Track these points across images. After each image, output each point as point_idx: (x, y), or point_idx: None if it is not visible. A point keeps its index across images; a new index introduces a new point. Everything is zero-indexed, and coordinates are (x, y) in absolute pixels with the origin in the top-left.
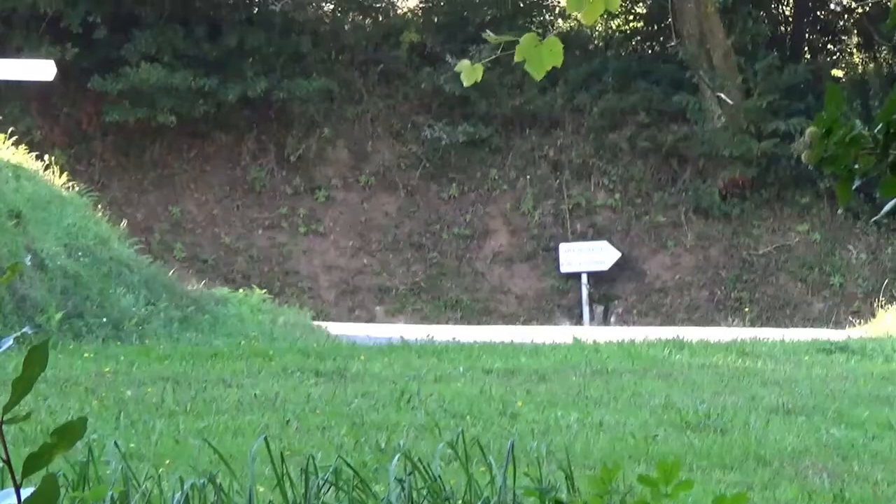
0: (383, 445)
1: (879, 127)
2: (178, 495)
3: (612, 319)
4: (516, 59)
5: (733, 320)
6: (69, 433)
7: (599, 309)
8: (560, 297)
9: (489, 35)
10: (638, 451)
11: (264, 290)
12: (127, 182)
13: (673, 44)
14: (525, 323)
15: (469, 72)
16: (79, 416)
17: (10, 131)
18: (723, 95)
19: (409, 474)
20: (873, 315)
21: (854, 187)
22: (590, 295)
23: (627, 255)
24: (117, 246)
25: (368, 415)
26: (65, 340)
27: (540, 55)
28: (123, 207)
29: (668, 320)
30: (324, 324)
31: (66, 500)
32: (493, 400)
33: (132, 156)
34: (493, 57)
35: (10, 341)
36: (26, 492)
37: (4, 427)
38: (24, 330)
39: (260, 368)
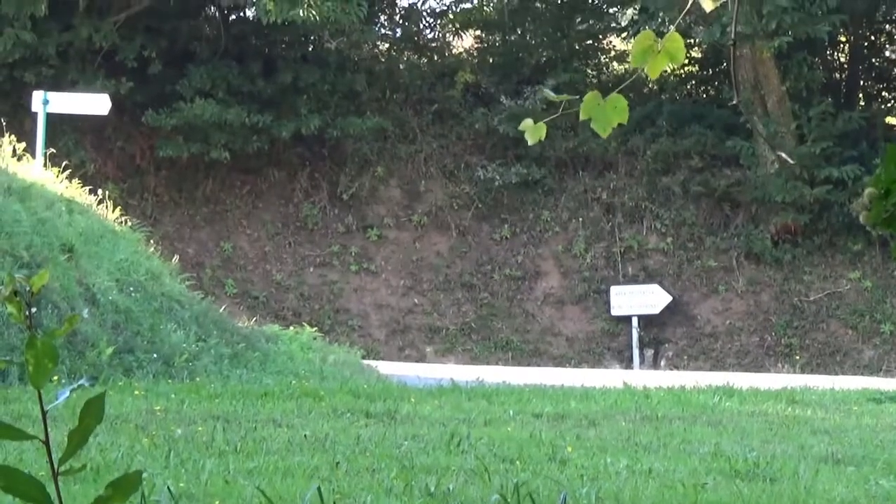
0: (433, 489)
1: None
2: None
3: (663, 363)
4: (581, 117)
5: (783, 366)
6: (124, 486)
7: (649, 352)
8: (610, 340)
9: (548, 93)
10: (687, 500)
11: (315, 328)
12: (179, 217)
13: (733, 102)
14: (575, 365)
15: (533, 131)
16: (135, 470)
17: (63, 165)
18: (784, 155)
19: None
20: None
21: None
22: (640, 338)
23: (678, 299)
24: (168, 281)
25: (418, 457)
26: (115, 376)
27: (605, 112)
28: (175, 242)
29: (718, 365)
30: (374, 363)
31: None
32: (543, 444)
33: (185, 191)
34: (556, 116)
35: (67, 393)
36: None
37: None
38: (80, 382)
39: (310, 409)
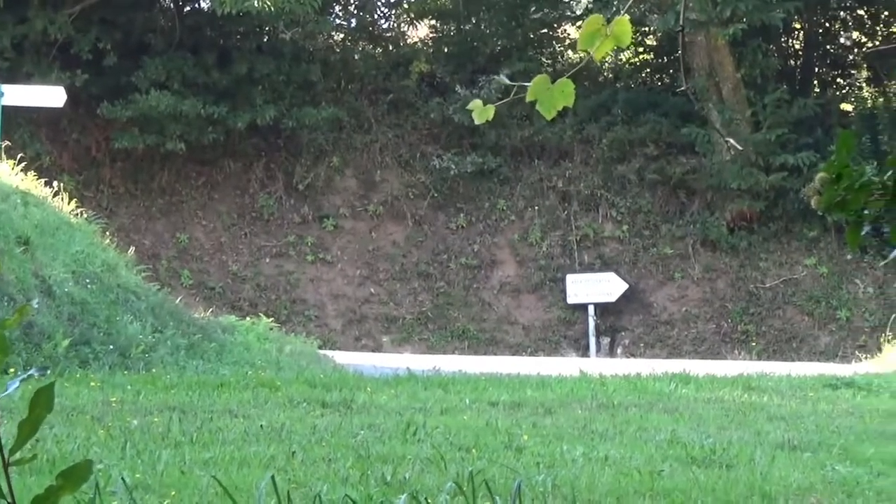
0: (389, 478)
1: (889, 174)
2: None
3: (619, 351)
4: (528, 99)
5: (739, 353)
6: (75, 475)
7: (606, 340)
8: (567, 328)
9: (502, 79)
10: (643, 487)
11: (271, 319)
12: (135, 209)
13: (683, 88)
14: (531, 354)
15: (481, 111)
16: (86, 459)
17: (19, 157)
18: (732, 141)
19: None
20: (879, 350)
21: (863, 232)
22: (596, 326)
23: (634, 287)
24: (125, 273)
25: (374, 447)
26: (71, 368)
27: (552, 96)
28: (131, 234)
29: (675, 353)
30: (330, 353)
31: None
32: (499, 433)
33: (140, 182)
34: (506, 100)
35: (17, 384)
36: None
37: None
38: (30, 372)
39: (266, 399)
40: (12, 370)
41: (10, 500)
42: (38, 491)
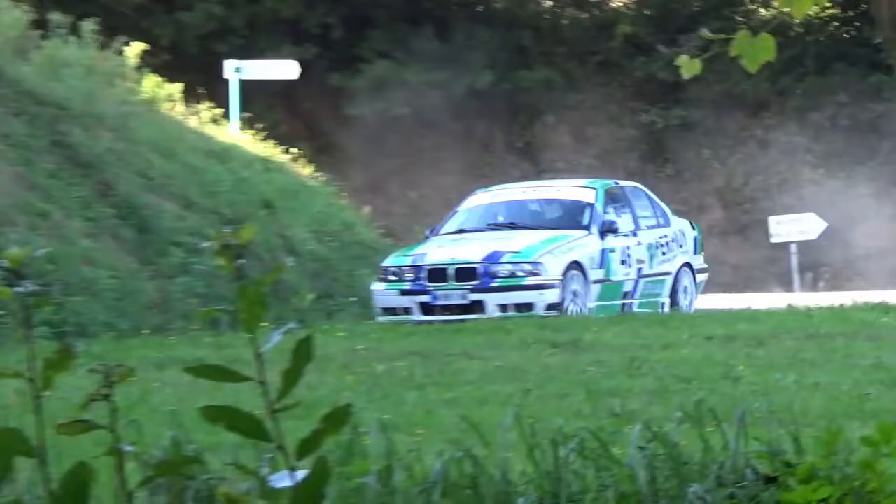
0: (618, 411)
1: None
2: (438, 466)
3: (821, 286)
4: (733, 54)
5: None
6: (336, 419)
7: (808, 276)
8: (772, 266)
9: (705, 33)
10: (852, 409)
11: None
12: (367, 171)
13: (870, 41)
14: (740, 291)
15: (688, 65)
16: (345, 403)
17: (261, 126)
18: None
19: (650, 442)
20: None
21: None
22: (799, 263)
23: (833, 226)
24: (361, 230)
25: (602, 382)
26: (318, 320)
27: (754, 50)
28: (365, 194)
29: (872, 285)
30: None
31: (332, 476)
32: (717, 364)
33: (371, 146)
34: (711, 53)
35: (278, 337)
36: (300, 474)
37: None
38: (289, 326)
39: (500, 341)
40: (265, 324)
41: (278, 443)
42: (296, 433)
